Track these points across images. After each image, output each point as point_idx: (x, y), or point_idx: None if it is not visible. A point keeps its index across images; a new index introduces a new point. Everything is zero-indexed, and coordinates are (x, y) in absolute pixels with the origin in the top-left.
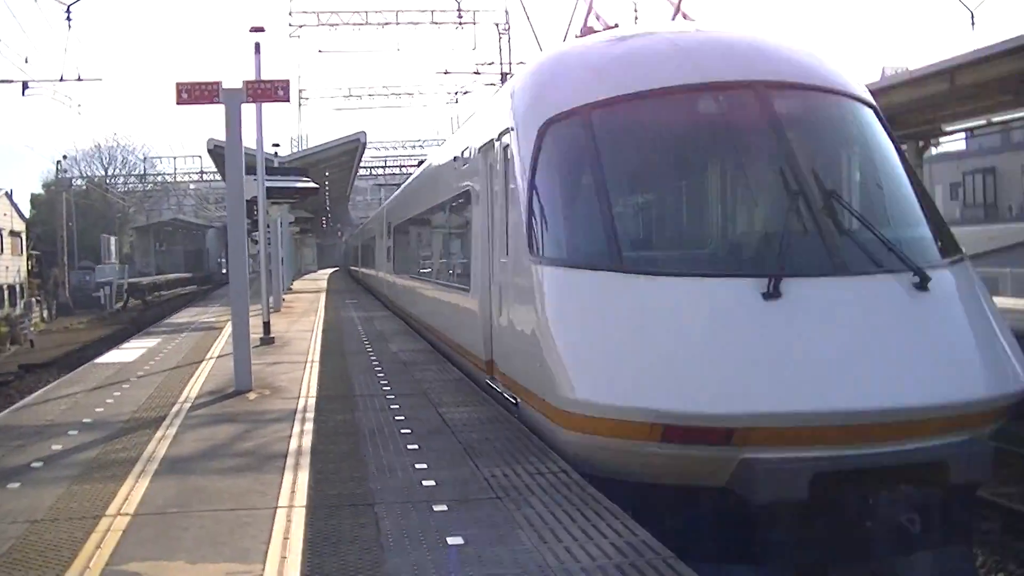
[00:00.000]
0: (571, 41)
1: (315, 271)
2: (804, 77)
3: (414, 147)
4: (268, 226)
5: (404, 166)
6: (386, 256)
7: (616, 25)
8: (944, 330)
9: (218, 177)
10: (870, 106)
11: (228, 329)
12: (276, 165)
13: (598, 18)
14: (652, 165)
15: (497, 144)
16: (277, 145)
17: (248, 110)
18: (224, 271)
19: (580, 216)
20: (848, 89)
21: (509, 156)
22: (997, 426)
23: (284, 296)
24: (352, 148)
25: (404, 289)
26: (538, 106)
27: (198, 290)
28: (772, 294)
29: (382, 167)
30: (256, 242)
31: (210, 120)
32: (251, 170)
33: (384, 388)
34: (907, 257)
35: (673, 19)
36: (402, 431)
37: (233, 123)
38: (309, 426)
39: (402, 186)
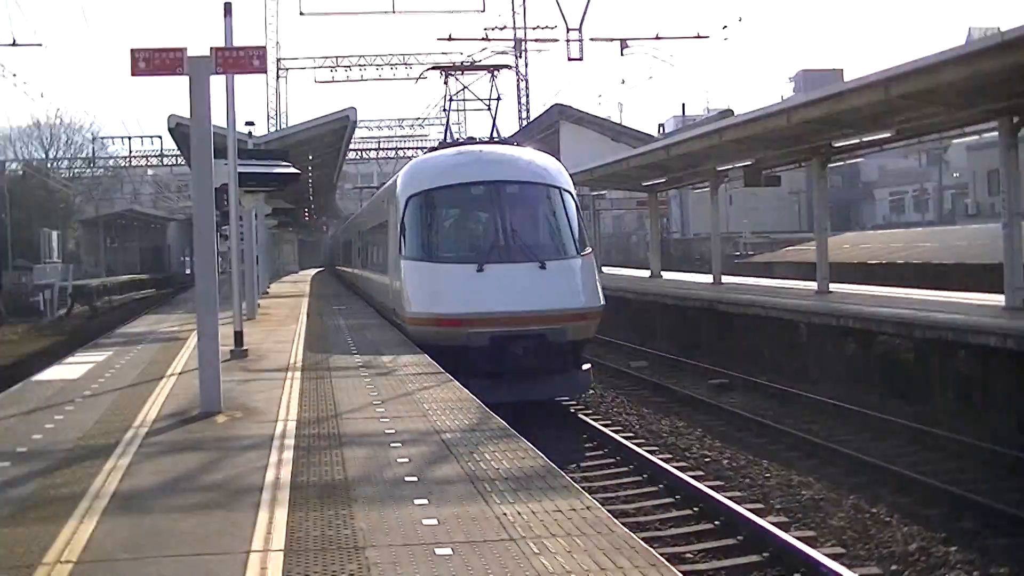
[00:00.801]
0: (427, 154)
1: (296, 272)
2: (527, 177)
3: (412, 126)
4: (241, 219)
5: (401, 148)
6: (357, 254)
7: (469, 138)
8: (548, 284)
9: (181, 161)
10: (565, 190)
11: (193, 340)
12: (250, 147)
13: (454, 136)
14: (447, 217)
15: (394, 200)
16: (251, 124)
17: (217, 83)
18: (188, 272)
19: (418, 238)
20: (553, 182)
21: (396, 208)
22: (588, 324)
23: (259, 301)
24: (340, 128)
25: (362, 277)
26: (406, 189)
27: (157, 294)
28: (480, 270)
29: (375, 149)
30: (226, 237)
31: (172, 95)
32: (221, 153)
33: (377, 410)
34: (539, 254)
35: (491, 135)
36: (399, 459)
37: (200, 97)
38: (288, 454)
39: (367, 202)
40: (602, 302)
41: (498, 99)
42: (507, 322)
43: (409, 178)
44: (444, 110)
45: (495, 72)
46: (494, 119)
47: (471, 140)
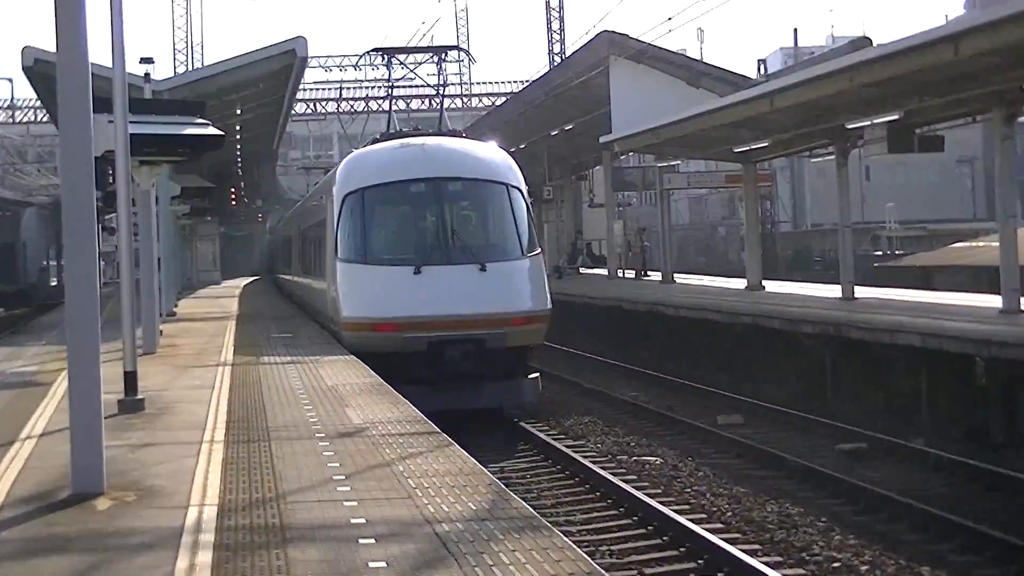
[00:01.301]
0: (368, 146)
1: (218, 283)
2: (471, 173)
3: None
4: (135, 203)
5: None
6: (298, 257)
7: (415, 129)
8: (488, 286)
9: (43, 116)
10: (514, 187)
11: (62, 386)
12: (149, 96)
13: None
14: (385, 216)
15: (330, 197)
16: (149, 62)
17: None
18: (54, 282)
19: (354, 239)
20: (499, 179)
21: (332, 206)
22: (532, 328)
23: (162, 327)
24: (282, 68)
25: (302, 286)
26: (342, 186)
27: (7, 316)
28: (418, 272)
29: (335, 100)
30: (113, 231)
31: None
32: (104, 105)
33: (340, 488)
34: (480, 256)
35: (438, 125)
36: (371, 562)
37: (69, 18)
38: (205, 557)
39: (303, 199)
40: (549, 305)
41: (443, 86)
42: (445, 326)
43: (346, 174)
44: (387, 97)
45: (443, 56)
46: (440, 108)
47: (416, 132)
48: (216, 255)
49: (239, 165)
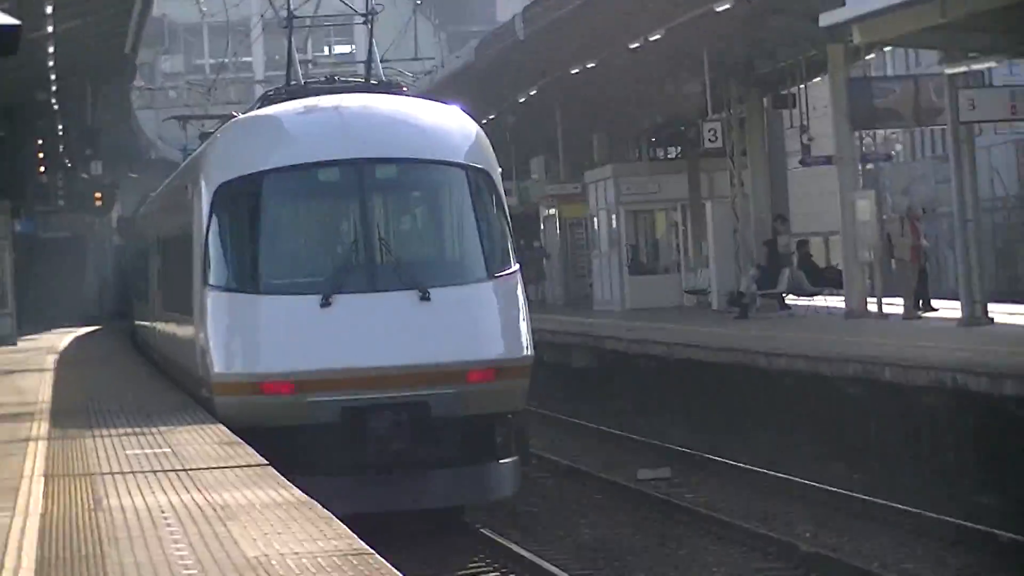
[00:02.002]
0: (255, 111)
1: (10, 341)
2: (412, 151)
3: None
4: None
5: None
6: (155, 282)
7: (329, 80)
8: (435, 323)
9: None
10: (478, 170)
11: None
12: None
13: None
14: (278, 219)
15: (197, 190)
16: None
17: None
18: None
19: (229, 255)
20: (455, 158)
21: (199, 203)
22: (504, 387)
23: None
24: None
25: (161, 336)
26: (214, 172)
27: None
28: (327, 303)
29: None
30: None
31: None
32: None
33: None
34: (422, 277)
35: (366, 75)
36: None
37: None
38: None
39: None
40: (527, 352)
41: (371, 15)
42: (369, 384)
43: (221, 154)
44: (284, 26)
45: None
46: (370, 50)
47: (331, 83)
48: (5, 281)
49: (53, 93)
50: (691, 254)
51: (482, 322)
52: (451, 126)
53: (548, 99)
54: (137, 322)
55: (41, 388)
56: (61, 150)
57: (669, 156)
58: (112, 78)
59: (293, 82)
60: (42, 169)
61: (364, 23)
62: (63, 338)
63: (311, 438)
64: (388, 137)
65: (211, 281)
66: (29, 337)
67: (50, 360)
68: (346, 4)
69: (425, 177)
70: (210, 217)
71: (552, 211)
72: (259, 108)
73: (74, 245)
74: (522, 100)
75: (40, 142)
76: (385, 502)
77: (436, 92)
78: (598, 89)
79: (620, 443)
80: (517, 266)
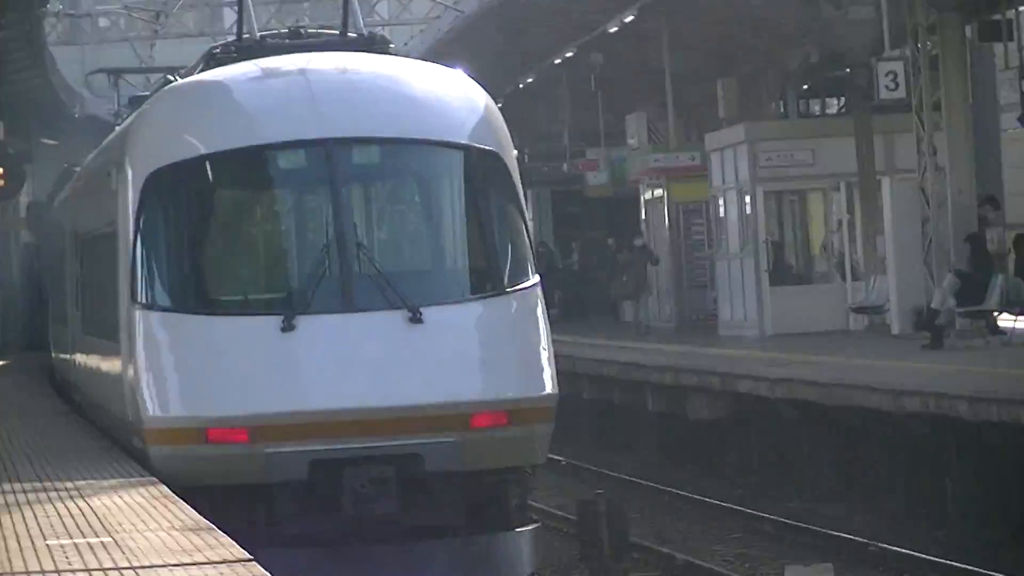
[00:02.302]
0: (200, 72)
1: None
2: (400, 128)
3: None
4: None
5: None
6: (74, 296)
7: (293, 32)
8: (426, 353)
9: None
10: (487, 151)
11: None
12: None
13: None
14: (227, 217)
15: (122, 177)
16: None
17: None
18: None
19: (165, 265)
20: (457, 137)
21: (125, 195)
22: (516, 434)
23: None
24: None
25: (82, 370)
26: (145, 155)
27: None
28: (290, 327)
29: None
30: None
31: None
32: None
33: None
34: (412, 293)
35: (343, 23)
36: None
37: None
38: None
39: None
40: (550, 390)
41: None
42: (344, 430)
43: (152, 132)
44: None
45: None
46: None
47: (296, 36)
48: None
49: None
50: (860, 255)
51: (491, 350)
52: (452, 95)
53: (651, 28)
54: (56, 354)
55: None
56: None
57: (828, 111)
58: (15, 0)
59: (247, 34)
60: None
61: None
62: None
63: (272, 500)
64: (369, 110)
65: (141, 299)
66: None
67: None
68: None
69: (417, 162)
70: (139, 215)
71: (658, 192)
72: (203, 70)
73: None
74: (613, 30)
75: None
76: None
77: (484, 18)
78: (725, 12)
79: (758, 527)
80: (537, 277)
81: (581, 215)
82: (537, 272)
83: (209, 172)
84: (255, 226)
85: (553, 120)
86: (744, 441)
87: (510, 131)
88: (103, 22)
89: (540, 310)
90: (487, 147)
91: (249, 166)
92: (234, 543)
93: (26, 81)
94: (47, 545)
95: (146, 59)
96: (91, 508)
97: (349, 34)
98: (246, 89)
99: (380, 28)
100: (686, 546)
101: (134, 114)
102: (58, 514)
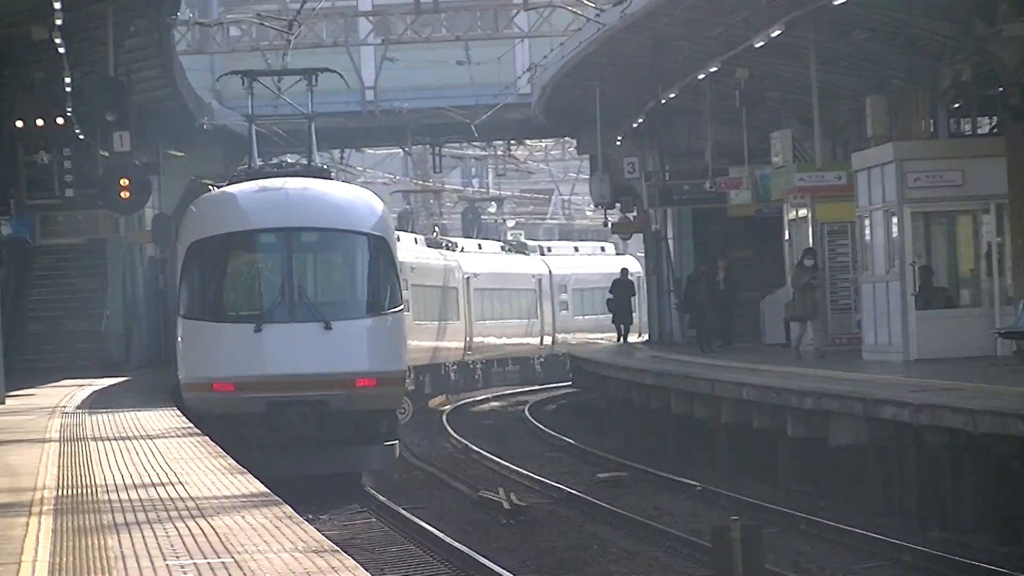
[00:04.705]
0: (222, 188)
1: None
2: (329, 222)
3: None
4: None
5: None
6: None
7: (279, 165)
8: (333, 345)
9: None
10: (377, 236)
11: None
12: None
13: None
14: (229, 268)
15: (178, 245)
16: None
17: None
18: None
19: (195, 294)
20: (360, 228)
21: (178, 255)
22: (380, 390)
23: None
24: None
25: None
26: (187, 233)
27: None
28: (259, 330)
29: None
30: None
31: None
32: None
33: None
34: (327, 313)
35: (308, 160)
36: None
37: None
38: None
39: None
40: (402, 367)
41: (312, 116)
42: (286, 387)
43: (191, 220)
44: (247, 119)
45: (313, 79)
46: (310, 145)
47: (280, 166)
48: None
49: (56, 28)
50: (1009, 278)
51: (368, 345)
52: (359, 203)
53: (798, 43)
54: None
55: (41, 467)
56: (69, 114)
57: (979, 131)
58: (145, 8)
59: (258, 165)
60: (41, 143)
61: (307, 121)
62: (72, 393)
63: (245, 423)
64: (311, 211)
65: (182, 312)
66: (22, 392)
67: (54, 426)
68: (294, 106)
69: (336, 240)
70: (184, 266)
71: (802, 212)
72: (229, 184)
73: (88, 256)
74: (759, 45)
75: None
76: (296, 469)
77: (628, 31)
78: (874, 28)
79: (898, 556)
80: (401, 306)
81: (721, 235)
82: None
83: (221, 243)
84: (244, 273)
85: (695, 137)
86: (886, 467)
87: (643, 146)
88: (234, 31)
89: (401, 324)
90: (377, 233)
91: (243, 241)
92: (358, 566)
93: (155, 91)
94: (167, 565)
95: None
96: (212, 528)
97: (311, 166)
98: (246, 198)
99: (518, 41)
100: (823, 575)
101: (187, 208)
102: (179, 533)
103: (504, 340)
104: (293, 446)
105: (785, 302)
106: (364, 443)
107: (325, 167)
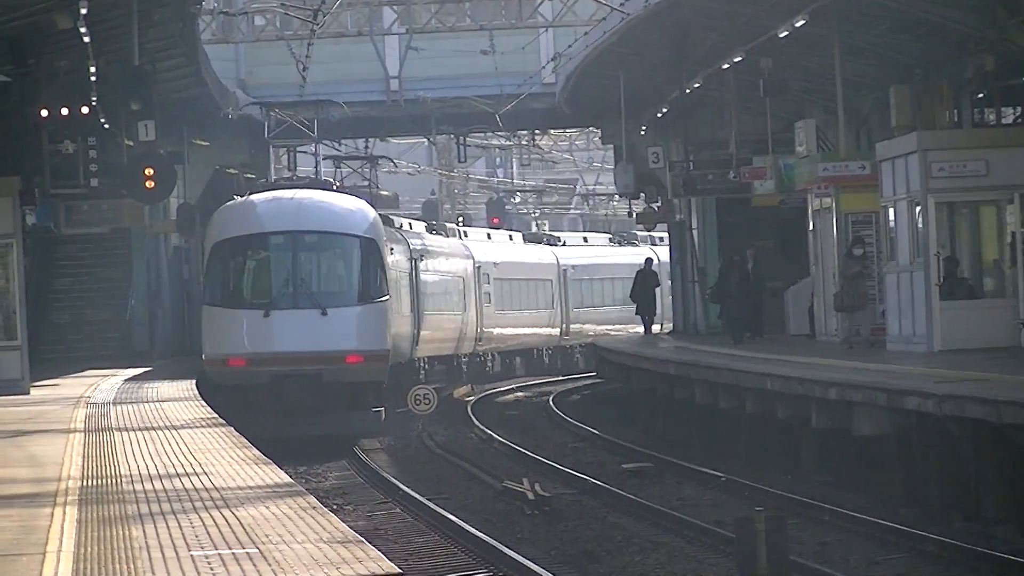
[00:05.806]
0: (243, 197)
1: (23, 388)
2: (326, 226)
3: None
4: None
5: None
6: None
7: (289, 179)
8: (327, 328)
9: None
10: (367, 239)
11: None
12: None
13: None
14: (244, 264)
15: (204, 244)
16: None
17: None
18: None
19: (217, 285)
20: (353, 231)
21: (204, 252)
22: (366, 365)
23: None
24: None
25: None
26: (211, 235)
27: None
28: (267, 315)
29: None
30: None
31: None
32: None
33: None
34: (323, 301)
35: (315, 175)
36: None
37: None
38: None
39: None
40: (385, 347)
41: (317, 143)
42: (288, 362)
43: (214, 224)
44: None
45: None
46: (316, 159)
47: (291, 180)
48: (11, 300)
49: (81, 17)
50: None
51: (357, 328)
52: (354, 211)
53: (822, 33)
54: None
55: (66, 458)
56: (94, 103)
57: (1004, 121)
58: None
59: (273, 179)
60: (66, 132)
61: (312, 142)
62: (96, 383)
63: (254, 393)
64: (314, 217)
65: (206, 300)
66: (47, 382)
67: (78, 416)
68: (305, 131)
69: (333, 242)
70: (208, 262)
71: (826, 202)
72: (249, 195)
73: (113, 246)
74: (783, 34)
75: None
76: (294, 431)
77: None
78: (898, 18)
79: (922, 548)
80: (387, 296)
81: (744, 225)
82: (387, 294)
83: (239, 243)
84: (256, 268)
85: (719, 126)
86: (909, 458)
87: (667, 136)
88: (258, 20)
89: (386, 312)
90: (368, 236)
91: (256, 241)
92: (382, 556)
93: (179, 80)
94: (191, 556)
95: (302, 58)
96: (237, 518)
97: (316, 179)
98: (260, 206)
99: (543, 31)
100: (847, 566)
101: (212, 215)
102: (203, 524)
103: (520, 331)
104: (294, 412)
105: (834, 292)
106: (354, 410)
107: (328, 180)
